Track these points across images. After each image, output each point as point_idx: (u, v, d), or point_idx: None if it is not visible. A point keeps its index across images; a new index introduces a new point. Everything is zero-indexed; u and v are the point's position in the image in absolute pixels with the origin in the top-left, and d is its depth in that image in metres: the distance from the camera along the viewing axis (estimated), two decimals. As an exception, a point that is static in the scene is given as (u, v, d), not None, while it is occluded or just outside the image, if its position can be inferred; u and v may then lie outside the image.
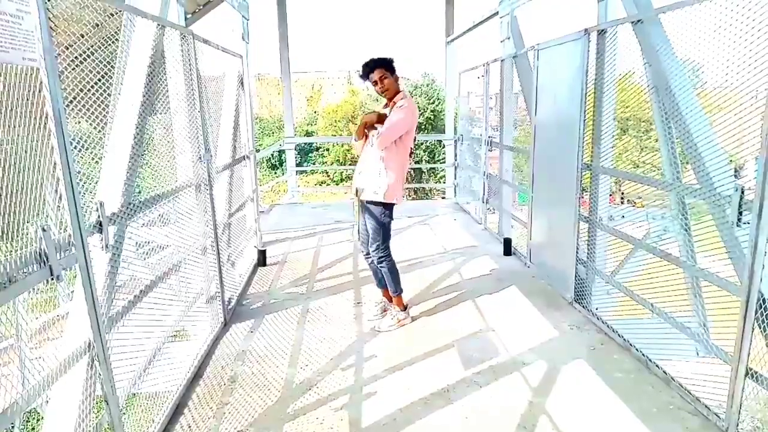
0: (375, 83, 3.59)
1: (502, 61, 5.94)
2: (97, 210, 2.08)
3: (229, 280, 4.15)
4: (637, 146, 3.97)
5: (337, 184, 29.66)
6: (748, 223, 2.27)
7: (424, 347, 3.48)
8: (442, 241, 6.16)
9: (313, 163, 30.96)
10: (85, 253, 1.92)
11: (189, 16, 5.23)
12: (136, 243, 2.63)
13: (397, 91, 3.61)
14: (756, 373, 2.32)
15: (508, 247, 5.60)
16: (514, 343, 3.51)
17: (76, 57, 2.04)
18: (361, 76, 3.66)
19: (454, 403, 2.83)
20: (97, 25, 2.22)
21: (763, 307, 2.26)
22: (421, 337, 3.63)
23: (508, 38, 5.77)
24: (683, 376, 2.87)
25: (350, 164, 29.73)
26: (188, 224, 3.31)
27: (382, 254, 3.70)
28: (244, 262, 5.06)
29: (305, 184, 26.26)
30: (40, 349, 2.87)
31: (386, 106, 3.71)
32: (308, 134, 31.57)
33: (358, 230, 3.88)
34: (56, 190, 1.82)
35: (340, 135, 31.91)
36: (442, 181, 11.57)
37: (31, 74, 1.70)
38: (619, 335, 3.45)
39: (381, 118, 3.63)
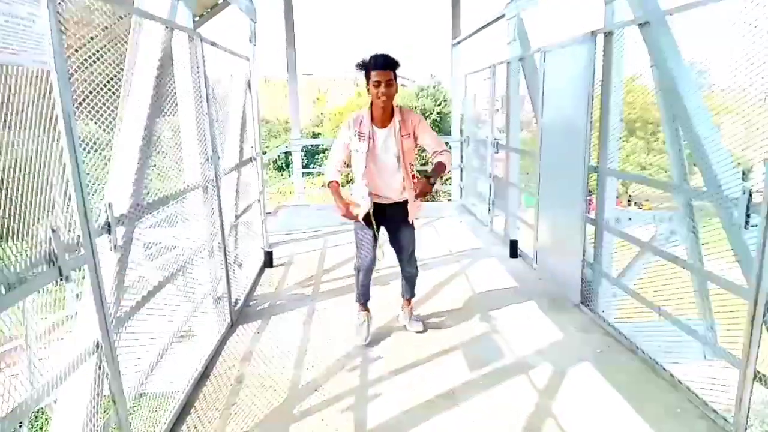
0: (377, 85, 3.02)
1: (508, 63, 5.93)
2: (106, 211, 2.10)
3: (236, 281, 4.17)
4: (644, 148, 3.95)
5: (343, 186, 29.69)
6: (756, 225, 2.26)
7: (429, 349, 3.48)
8: (447, 242, 6.16)
9: (320, 165, 30.97)
10: (93, 254, 1.94)
11: (197, 18, 5.26)
12: (144, 244, 2.65)
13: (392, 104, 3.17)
14: (764, 376, 2.30)
15: (514, 249, 5.59)
16: (519, 345, 3.50)
17: (86, 59, 2.06)
18: (362, 67, 3.08)
19: (459, 405, 2.83)
20: (106, 28, 2.25)
21: (771, 310, 2.25)
22: (426, 339, 3.63)
23: (515, 40, 5.77)
24: (690, 379, 2.86)
25: (356, 166, 29.81)
26: (196, 225, 3.33)
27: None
28: (251, 263, 5.08)
29: (312, 185, 26.29)
30: (48, 349, 2.90)
31: (374, 120, 3.20)
32: (315, 136, 31.62)
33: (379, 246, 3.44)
34: (65, 191, 1.84)
35: (347, 137, 31.94)
36: (448, 183, 11.55)
37: (40, 76, 1.72)
38: (625, 338, 3.43)
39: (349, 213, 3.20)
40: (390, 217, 3.41)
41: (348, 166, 3.46)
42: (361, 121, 3.21)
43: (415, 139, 3.25)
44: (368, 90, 3.12)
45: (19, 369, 2.38)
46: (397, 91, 3.09)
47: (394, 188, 3.35)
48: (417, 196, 3.13)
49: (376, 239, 3.39)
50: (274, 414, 2.79)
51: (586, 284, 4.01)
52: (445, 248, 5.91)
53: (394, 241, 3.54)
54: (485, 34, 7.42)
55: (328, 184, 3.31)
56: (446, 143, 3.72)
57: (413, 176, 3.31)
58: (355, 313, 3.74)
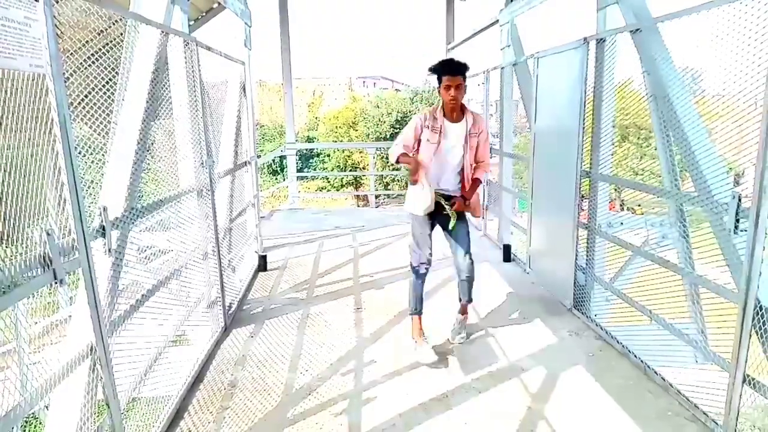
0: (448, 88, 3.21)
1: (502, 68, 5.98)
2: (100, 215, 2.10)
3: (230, 285, 4.17)
4: (636, 154, 3.99)
5: (337, 190, 29.71)
6: (746, 230, 2.29)
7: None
8: (441, 246, 6.15)
9: (314, 169, 31.00)
10: (88, 258, 1.94)
11: (192, 23, 5.27)
12: (139, 247, 2.65)
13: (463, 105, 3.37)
14: (753, 380, 2.33)
15: (507, 254, 5.62)
16: (513, 349, 3.52)
17: (81, 63, 2.07)
18: (435, 71, 3.27)
19: (453, 409, 2.84)
20: (102, 32, 2.25)
21: (760, 314, 2.28)
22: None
23: (508, 46, 5.81)
24: (681, 382, 2.89)
25: (350, 170, 29.85)
26: (190, 229, 3.33)
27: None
28: (245, 267, 5.08)
29: (306, 189, 26.32)
30: (40, 353, 2.89)
31: (447, 116, 3.35)
32: (309, 140, 31.64)
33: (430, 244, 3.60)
34: (60, 195, 1.84)
35: (341, 141, 32.00)
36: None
37: (36, 80, 1.72)
38: (617, 342, 3.46)
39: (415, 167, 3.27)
40: (441, 211, 3.46)
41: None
42: (435, 116, 3.36)
43: (480, 142, 3.41)
44: (439, 91, 3.33)
45: (12, 372, 2.37)
46: (465, 93, 3.31)
47: (452, 182, 3.47)
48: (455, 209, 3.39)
49: (431, 238, 3.55)
50: (268, 418, 2.79)
51: (579, 288, 4.04)
52: (439, 252, 5.90)
53: (449, 237, 3.60)
54: (479, 39, 7.47)
55: (396, 161, 3.38)
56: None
57: (466, 177, 3.44)
58: (411, 335, 3.57)
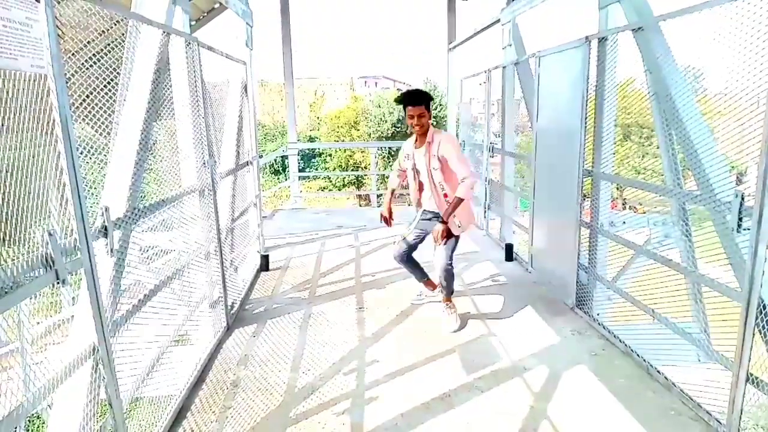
0: (412, 117, 3.60)
1: (503, 68, 5.97)
2: (102, 215, 2.10)
3: (232, 284, 4.17)
4: (638, 152, 3.99)
5: (339, 190, 29.74)
6: (749, 229, 2.28)
7: (425, 352, 3.49)
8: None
9: (316, 169, 31.00)
10: (90, 258, 1.94)
11: (193, 23, 5.27)
12: (141, 248, 2.65)
13: (428, 128, 3.69)
14: (757, 378, 2.32)
15: (509, 253, 5.61)
16: (515, 348, 3.52)
17: (83, 63, 2.07)
18: (401, 102, 3.66)
19: (455, 408, 2.84)
20: (103, 32, 2.26)
21: (763, 312, 2.27)
22: (422, 342, 3.64)
23: (510, 45, 5.80)
24: (684, 381, 2.88)
25: (352, 169, 29.88)
26: (192, 229, 3.34)
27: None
28: (247, 267, 5.08)
29: (308, 189, 26.33)
30: (43, 353, 2.89)
31: (416, 142, 3.79)
32: (311, 140, 31.65)
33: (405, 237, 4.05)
34: (62, 195, 1.84)
35: (343, 141, 32.01)
36: (444, 186, 11.52)
37: (37, 80, 1.72)
38: (620, 341, 3.45)
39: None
40: (427, 224, 3.95)
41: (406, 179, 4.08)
42: (410, 145, 3.86)
43: (443, 161, 3.63)
44: (405, 119, 3.72)
45: (15, 372, 2.38)
46: (430, 119, 3.66)
47: (435, 203, 3.83)
48: (442, 238, 3.63)
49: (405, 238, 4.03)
50: (270, 417, 2.79)
51: (581, 287, 4.03)
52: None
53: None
54: (481, 38, 7.46)
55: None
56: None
57: (445, 195, 3.72)
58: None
